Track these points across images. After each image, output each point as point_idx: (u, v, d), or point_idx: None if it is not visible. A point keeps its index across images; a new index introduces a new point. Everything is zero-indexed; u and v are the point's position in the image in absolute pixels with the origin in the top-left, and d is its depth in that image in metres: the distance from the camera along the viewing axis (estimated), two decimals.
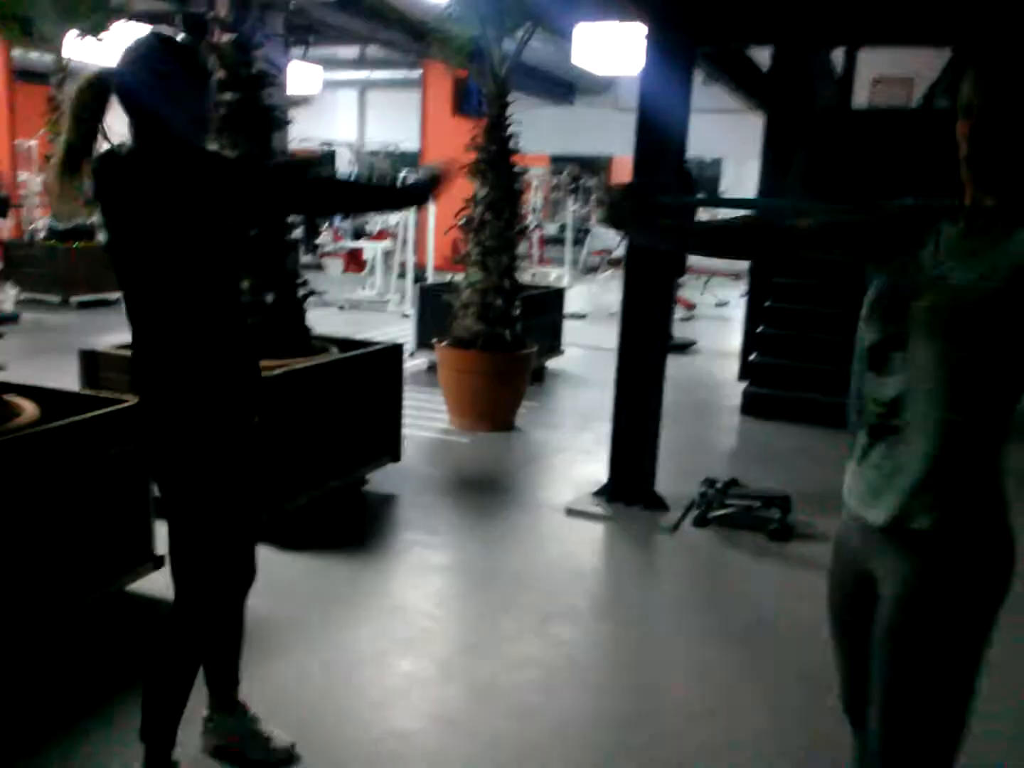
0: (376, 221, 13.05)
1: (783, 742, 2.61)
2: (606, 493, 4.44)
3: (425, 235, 10.65)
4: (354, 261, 12.35)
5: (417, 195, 2.24)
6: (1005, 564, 1.49)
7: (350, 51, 16.60)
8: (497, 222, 5.81)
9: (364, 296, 11.17)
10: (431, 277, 10.31)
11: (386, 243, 11.93)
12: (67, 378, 4.17)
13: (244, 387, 2.10)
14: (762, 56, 7.01)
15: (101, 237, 8.24)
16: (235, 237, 2.04)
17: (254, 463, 2.17)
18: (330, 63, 15.58)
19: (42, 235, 10.75)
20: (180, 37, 2.15)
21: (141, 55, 1.97)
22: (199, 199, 1.90)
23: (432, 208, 10.49)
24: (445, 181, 2.12)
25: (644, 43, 4.18)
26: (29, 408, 2.92)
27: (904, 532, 1.49)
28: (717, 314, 11.92)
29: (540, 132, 13.59)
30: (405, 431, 4.72)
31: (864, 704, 1.62)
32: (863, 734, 1.66)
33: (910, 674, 1.52)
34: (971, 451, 1.47)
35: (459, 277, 6.14)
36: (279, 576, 3.51)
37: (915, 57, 9.49)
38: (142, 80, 1.94)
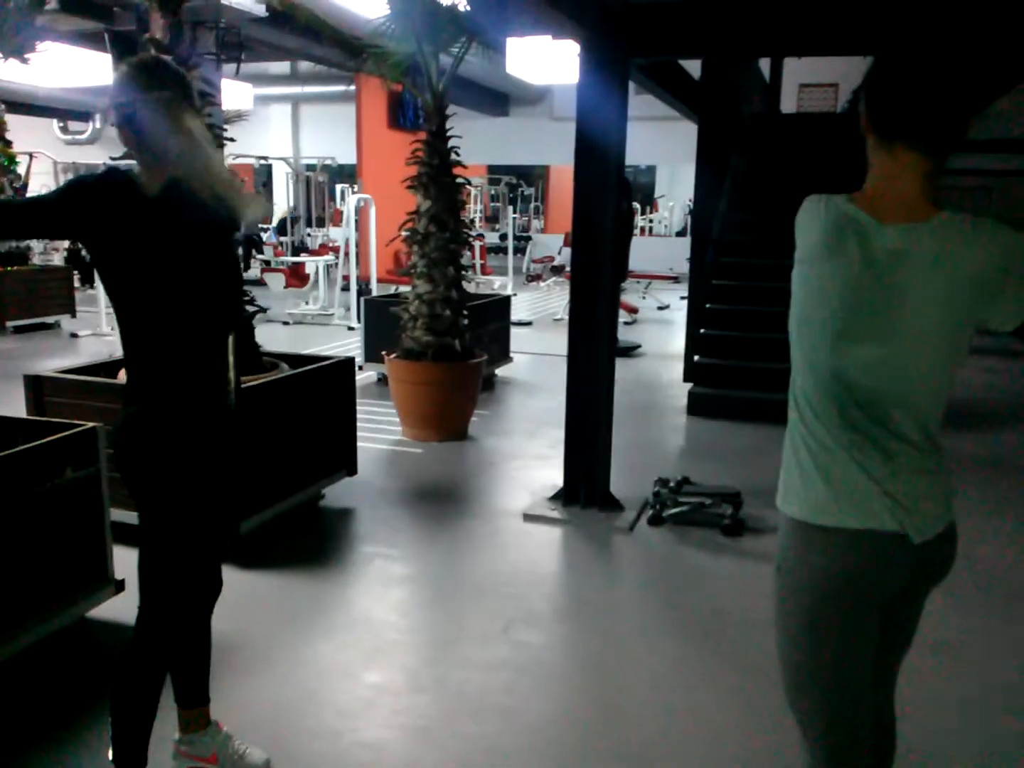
0: (316, 235, 12.99)
1: (749, 737, 2.69)
2: (562, 497, 4.51)
3: (367, 248, 10.63)
4: (295, 276, 12.27)
5: None
6: None
7: (282, 66, 16.51)
8: (441, 234, 5.85)
9: (308, 310, 11.11)
10: (375, 290, 10.29)
11: (328, 257, 11.87)
12: (13, 404, 4.10)
13: (212, 403, 2.11)
14: (693, 66, 7.18)
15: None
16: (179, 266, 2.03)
17: (223, 478, 2.18)
18: (262, 79, 15.46)
19: None
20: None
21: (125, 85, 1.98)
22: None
23: (373, 221, 10.50)
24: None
25: (578, 58, 4.28)
26: None
27: None
28: (659, 317, 12.13)
29: (477, 143, 13.66)
30: (359, 444, 4.73)
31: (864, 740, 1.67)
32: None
33: None
34: None
35: (403, 289, 6.17)
36: (240, 594, 3.49)
37: (839, 63, 9.82)
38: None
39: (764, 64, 10.21)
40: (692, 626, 3.39)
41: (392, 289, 9.92)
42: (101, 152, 16.81)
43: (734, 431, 6.08)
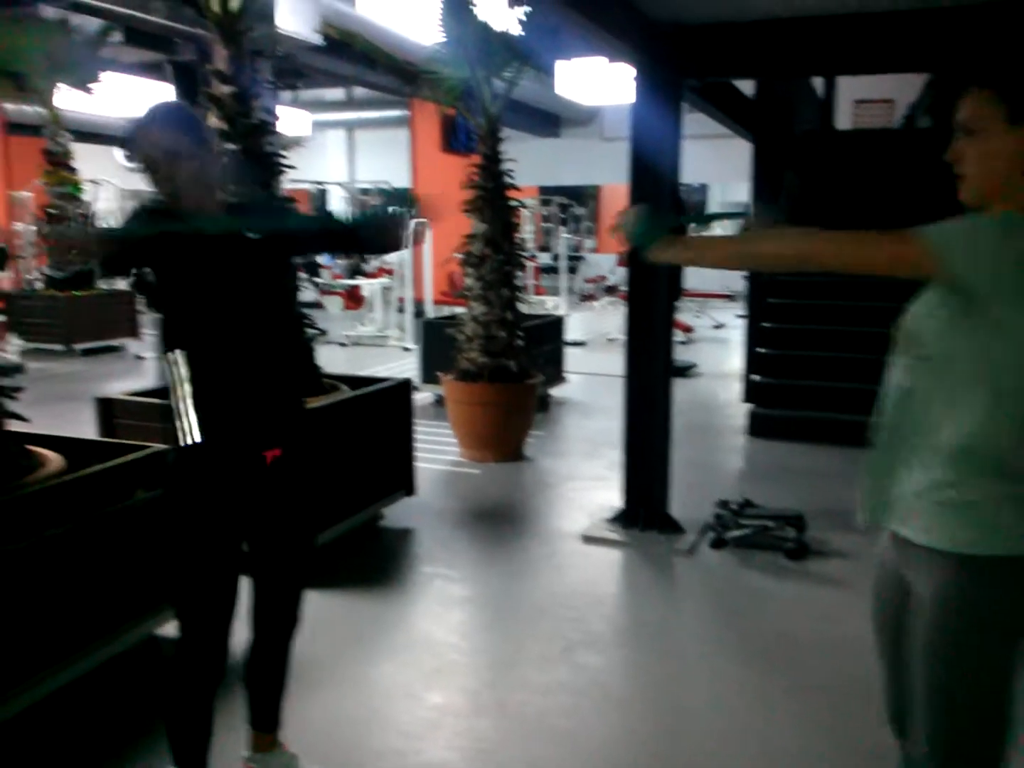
0: (373, 260, 13.18)
1: (814, 761, 2.63)
2: (621, 519, 4.48)
3: (422, 270, 10.75)
4: (352, 298, 12.45)
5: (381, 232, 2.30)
6: None
7: (337, 93, 16.82)
8: (496, 256, 5.90)
9: (365, 332, 11.25)
10: (430, 311, 10.38)
11: (384, 279, 12.03)
12: (82, 426, 4.22)
13: (247, 420, 2.12)
14: (746, 84, 7.15)
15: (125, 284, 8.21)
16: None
17: (267, 497, 2.18)
18: (318, 105, 15.78)
19: (40, 284, 10.84)
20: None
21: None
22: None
23: (428, 244, 10.62)
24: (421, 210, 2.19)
25: (632, 80, 4.30)
26: (54, 458, 2.97)
27: None
28: (714, 336, 12.02)
29: (528, 165, 13.73)
30: (417, 464, 4.76)
31: (906, 714, 1.65)
32: (907, 743, 1.69)
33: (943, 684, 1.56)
34: None
35: (458, 310, 6.22)
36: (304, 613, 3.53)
37: (894, 79, 9.70)
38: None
39: (818, 81, 10.12)
40: (755, 651, 3.33)
41: (447, 310, 10.00)
42: None
43: (796, 452, 5.99)
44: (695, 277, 12.92)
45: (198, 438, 2.02)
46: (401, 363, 9.36)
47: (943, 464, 1.52)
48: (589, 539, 4.37)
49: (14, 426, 2.97)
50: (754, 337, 7.33)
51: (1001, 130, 1.47)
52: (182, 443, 2.04)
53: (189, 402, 2.03)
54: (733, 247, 1.82)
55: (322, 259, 14.74)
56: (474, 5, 5.61)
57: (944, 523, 1.52)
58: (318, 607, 3.59)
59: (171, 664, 2.20)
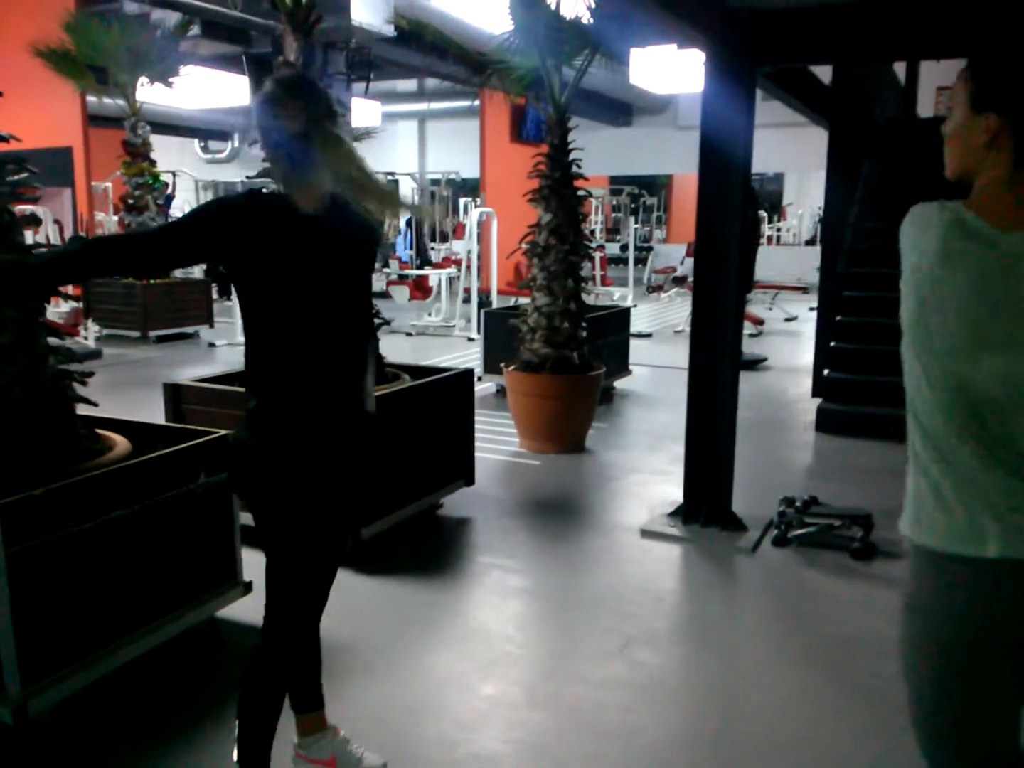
0: (439, 249, 13.25)
1: None
2: (681, 514, 4.41)
3: (488, 261, 10.76)
4: (419, 288, 12.54)
5: None
6: None
7: (409, 84, 16.95)
8: (561, 246, 5.85)
9: (430, 322, 11.33)
10: (495, 302, 10.40)
11: (451, 270, 12.08)
12: (152, 411, 4.32)
13: (344, 414, 2.12)
14: (823, 70, 6.94)
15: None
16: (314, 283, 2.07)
17: (352, 488, 2.19)
18: (390, 96, 15.92)
19: None
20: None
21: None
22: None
23: (495, 234, 10.62)
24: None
25: (704, 67, 4.20)
26: (121, 442, 3.04)
27: None
28: (786, 329, 11.78)
29: (599, 154, 13.66)
30: (477, 454, 4.76)
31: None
32: None
33: None
34: None
35: (523, 301, 6.19)
36: (360, 600, 3.57)
37: None
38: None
39: (899, 67, 9.79)
40: (819, 653, 3.24)
41: (512, 301, 10.00)
42: (238, 170, 17.68)
43: (866, 449, 5.82)
44: (768, 269, 12.67)
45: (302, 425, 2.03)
46: (465, 353, 9.39)
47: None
48: (649, 534, 4.31)
49: (84, 410, 3.05)
50: (827, 331, 7.13)
51: (965, 107, 1.51)
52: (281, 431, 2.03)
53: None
54: None
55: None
56: None
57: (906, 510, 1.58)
58: (375, 594, 3.64)
59: (261, 651, 2.17)
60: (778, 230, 21.45)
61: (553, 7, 5.56)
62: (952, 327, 1.42)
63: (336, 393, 2.11)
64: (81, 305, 9.94)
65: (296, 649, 2.25)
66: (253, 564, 2.71)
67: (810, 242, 20.09)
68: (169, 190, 12.50)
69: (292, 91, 2.00)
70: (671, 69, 11.00)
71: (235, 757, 2.20)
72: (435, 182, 18.54)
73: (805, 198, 22.89)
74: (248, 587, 3.20)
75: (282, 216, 1.96)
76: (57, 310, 9.71)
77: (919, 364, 1.48)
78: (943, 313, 1.42)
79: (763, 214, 16.29)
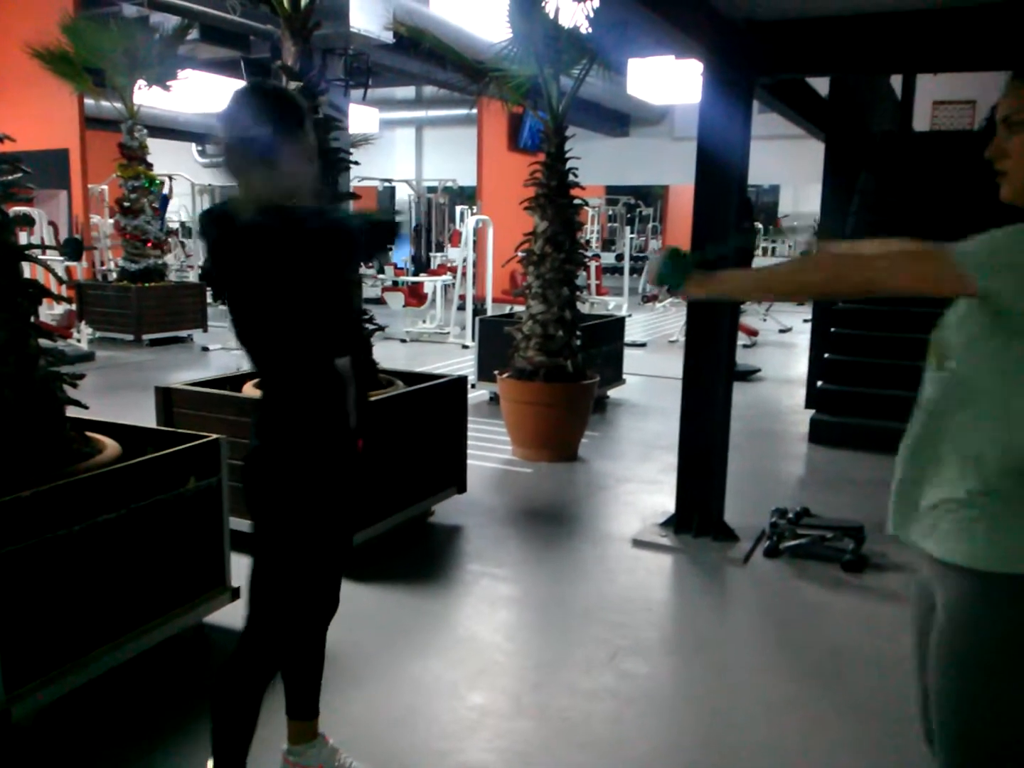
0: (435, 256, 13.24)
1: None
2: (673, 524, 4.40)
3: (484, 268, 10.77)
4: (414, 295, 12.54)
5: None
6: None
7: (407, 91, 16.97)
8: (557, 255, 5.85)
9: (425, 329, 11.32)
10: (490, 309, 10.39)
11: (446, 277, 12.09)
12: (144, 414, 4.30)
13: (338, 425, 2.10)
14: (820, 82, 6.97)
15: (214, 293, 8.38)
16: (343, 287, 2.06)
17: (351, 494, 2.18)
18: (387, 103, 15.94)
19: (114, 276, 11.15)
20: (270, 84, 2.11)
21: (238, 113, 1.95)
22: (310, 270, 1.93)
23: (490, 241, 10.63)
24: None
25: (701, 78, 4.21)
26: (111, 445, 3.02)
27: None
28: (780, 340, 11.79)
29: (596, 164, 13.68)
30: (469, 462, 4.75)
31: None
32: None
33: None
34: None
35: (518, 309, 6.19)
36: (350, 606, 3.49)
37: (976, 79, 9.37)
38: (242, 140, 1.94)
39: (896, 81, 9.83)
40: (809, 665, 3.23)
41: (507, 309, 10.00)
42: None
43: (858, 461, 5.82)
44: None
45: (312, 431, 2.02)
46: (459, 360, 9.38)
47: (966, 478, 1.48)
48: (640, 543, 4.30)
49: (75, 412, 3.03)
50: (821, 342, 7.15)
51: None
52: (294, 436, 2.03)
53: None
54: (760, 279, 1.77)
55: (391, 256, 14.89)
56: (543, 1, 5.57)
57: (964, 538, 1.48)
58: (364, 601, 3.62)
59: (236, 658, 2.15)
60: (773, 242, 21.48)
61: (552, 16, 5.58)
62: None
63: (322, 408, 2.08)
64: (74, 307, 9.92)
65: (281, 659, 2.22)
66: (243, 569, 2.69)
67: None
68: (165, 192, 12.46)
69: (271, 100, 1.98)
70: (668, 80, 11.05)
71: (210, 765, 2.17)
72: (432, 189, 18.54)
73: (800, 210, 22.97)
74: (236, 593, 3.18)
75: (224, 227, 1.96)
76: (50, 312, 9.68)
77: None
78: None
79: (759, 226, 16.32)
